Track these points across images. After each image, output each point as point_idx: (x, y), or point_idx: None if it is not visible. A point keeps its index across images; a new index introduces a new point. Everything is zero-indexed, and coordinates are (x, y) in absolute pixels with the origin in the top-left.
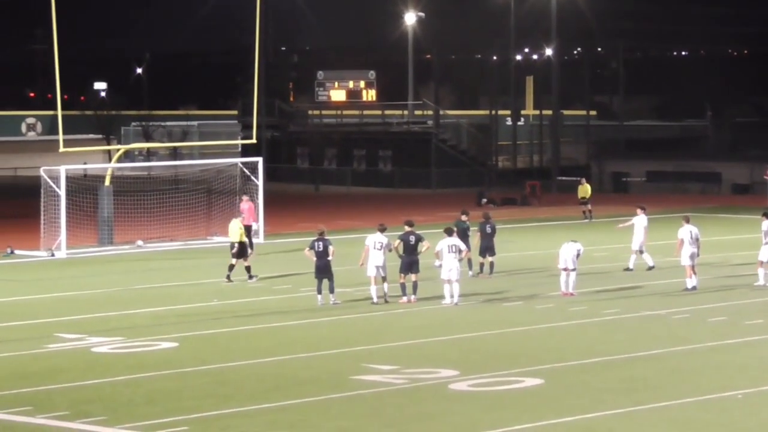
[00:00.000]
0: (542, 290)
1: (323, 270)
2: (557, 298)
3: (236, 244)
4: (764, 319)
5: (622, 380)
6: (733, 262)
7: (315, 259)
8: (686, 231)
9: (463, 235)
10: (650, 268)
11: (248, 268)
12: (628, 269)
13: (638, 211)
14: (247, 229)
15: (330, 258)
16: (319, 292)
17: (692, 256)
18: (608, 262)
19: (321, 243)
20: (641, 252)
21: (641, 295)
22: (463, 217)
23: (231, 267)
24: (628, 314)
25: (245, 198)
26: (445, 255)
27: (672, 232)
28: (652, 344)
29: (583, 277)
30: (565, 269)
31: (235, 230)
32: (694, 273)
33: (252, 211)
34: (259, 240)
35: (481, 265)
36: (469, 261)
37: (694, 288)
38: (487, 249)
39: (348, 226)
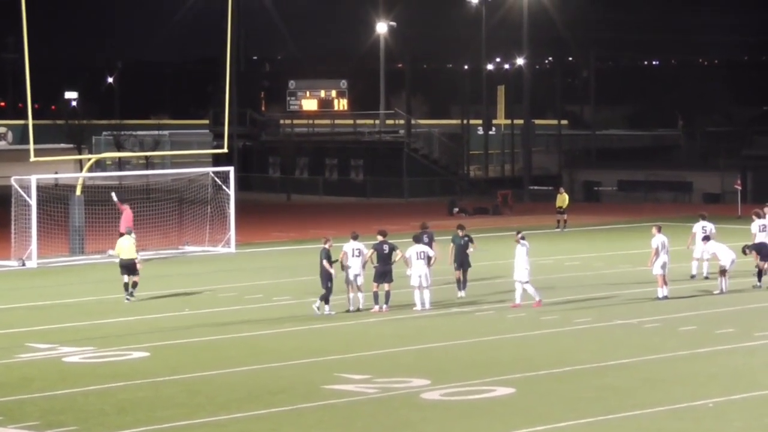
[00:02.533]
0: (513, 299)
1: (327, 279)
2: (528, 308)
3: (130, 261)
4: (735, 328)
5: (594, 389)
6: (705, 271)
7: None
8: (659, 240)
9: (462, 252)
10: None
11: (134, 284)
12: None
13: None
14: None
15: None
16: (322, 299)
17: (663, 266)
18: (580, 271)
19: (324, 252)
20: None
21: (613, 304)
22: (460, 232)
23: (127, 285)
24: (599, 323)
25: (126, 205)
26: (414, 262)
27: (643, 241)
28: (623, 353)
29: (555, 286)
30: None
31: (129, 247)
32: (665, 283)
33: (130, 218)
34: (230, 249)
35: (458, 280)
36: (458, 281)
37: (665, 297)
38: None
39: (320, 235)
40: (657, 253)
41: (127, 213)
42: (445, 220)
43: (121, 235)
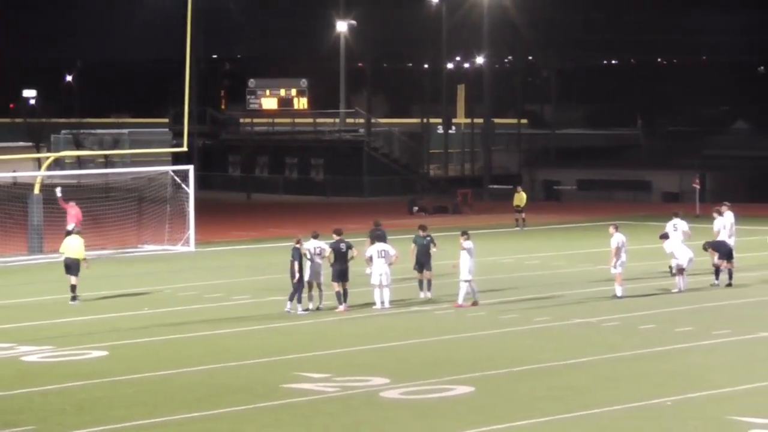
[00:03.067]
0: (472, 298)
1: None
2: (488, 307)
3: (75, 260)
4: (693, 327)
5: (553, 388)
6: (662, 269)
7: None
8: (618, 239)
9: (425, 253)
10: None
11: (74, 287)
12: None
13: (717, 211)
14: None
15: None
16: (290, 299)
17: (621, 264)
18: (539, 270)
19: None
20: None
21: (572, 302)
22: (422, 233)
23: (74, 287)
24: (558, 322)
25: (72, 203)
26: (375, 260)
27: (602, 240)
28: (582, 352)
29: (515, 285)
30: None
31: (77, 246)
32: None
33: (79, 216)
34: (190, 248)
35: (419, 281)
36: (420, 282)
37: (622, 296)
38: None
39: (280, 234)
40: (618, 253)
41: (75, 211)
42: (405, 218)
43: (68, 233)
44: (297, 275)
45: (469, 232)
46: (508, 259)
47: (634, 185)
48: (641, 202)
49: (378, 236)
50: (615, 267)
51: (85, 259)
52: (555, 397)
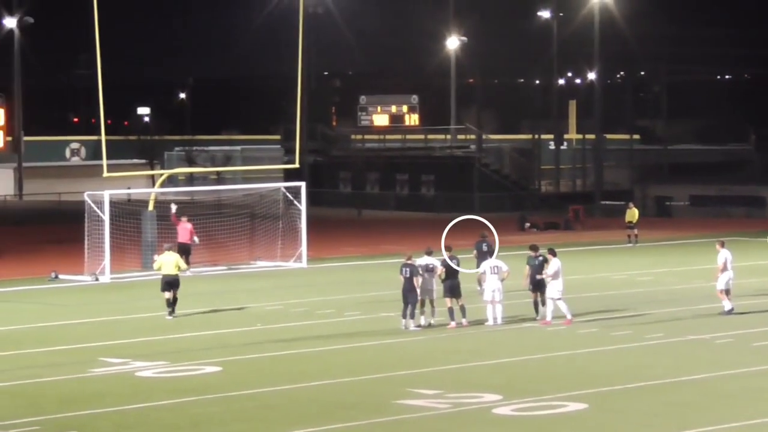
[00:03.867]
0: (585, 314)
1: (409, 294)
2: (600, 323)
3: (172, 277)
4: None
5: (667, 405)
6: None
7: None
8: (724, 256)
9: (538, 272)
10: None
11: (174, 301)
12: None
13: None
14: (187, 248)
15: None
16: (404, 316)
17: (729, 281)
18: (652, 287)
19: (407, 269)
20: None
21: (685, 318)
22: (533, 253)
23: (169, 301)
24: (672, 338)
25: (185, 219)
26: (488, 276)
27: (714, 256)
28: (697, 368)
29: (628, 301)
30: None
31: (173, 262)
32: (728, 297)
33: (192, 231)
34: (302, 264)
35: (534, 302)
36: (535, 303)
37: (731, 311)
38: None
39: (391, 250)
40: (725, 268)
41: (187, 227)
42: (515, 235)
43: (176, 248)
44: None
45: (583, 249)
46: (619, 275)
47: (747, 201)
48: (755, 218)
49: (485, 248)
50: (719, 284)
51: (186, 269)
52: (669, 414)
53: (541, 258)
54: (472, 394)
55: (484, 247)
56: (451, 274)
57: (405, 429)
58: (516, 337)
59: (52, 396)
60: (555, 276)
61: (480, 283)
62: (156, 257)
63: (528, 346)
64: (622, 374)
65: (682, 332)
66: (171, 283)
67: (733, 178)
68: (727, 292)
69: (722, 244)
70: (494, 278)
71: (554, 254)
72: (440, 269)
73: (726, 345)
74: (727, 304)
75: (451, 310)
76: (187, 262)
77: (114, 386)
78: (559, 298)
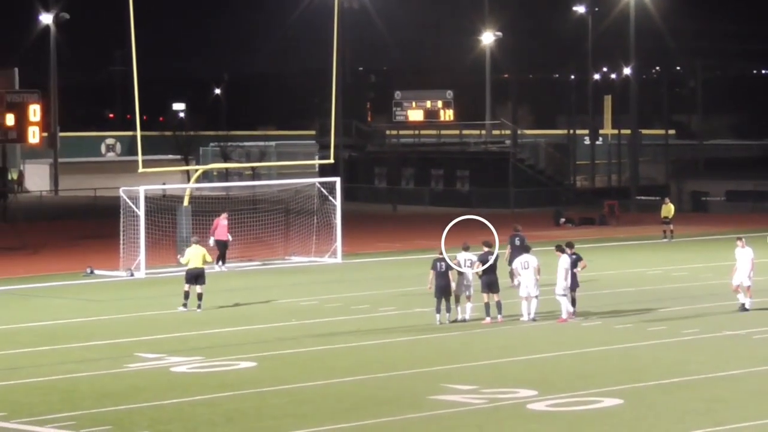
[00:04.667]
0: (621, 310)
1: (444, 290)
2: (635, 318)
3: (197, 270)
4: None
5: (703, 401)
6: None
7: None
8: (746, 252)
9: (572, 268)
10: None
11: (200, 296)
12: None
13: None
14: (224, 244)
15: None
16: (438, 311)
17: (749, 277)
18: (687, 282)
19: (442, 263)
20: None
21: (720, 314)
22: (569, 250)
23: (187, 294)
24: (707, 334)
25: (224, 215)
26: (521, 272)
27: (759, 251)
28: (732, 364)
29: (663, 297)
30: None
31: (200, 255)
32: (749, 294)
33: (226, 228)
34: (337, 260)
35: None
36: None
37: (750, 308)
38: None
39: (426, 245)
40: (745, 265)
41: (223, 224)
42: (551, 230)
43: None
44: (430, 286)
45: (618, 244)
46: (655, 270)
47: None
48: None
49: (519, 242)
50: (736, 279)
51: (212, 262)
52: (705, 410)
53: (575, 255)
54: (507, 390)
55: (517, 241)
56: (489, 270)
57: (440, 424)
58: (551, 332)
59: (87, 391)
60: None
61: (512, 278)
62: (184, 251)
63: (563, 341)
64: (657, 370)
65: (718, 328)
66: (197, 276)
67: None
68: (747, 288)
69: (741, 241)
70: (527, 273)
71: (563, 251)
72: (478, 264)
73: (762, 341)
74: (742, 298)
75: (487, 306)
76: (224, 258)
77: (149, 381)
78: (563, 295)
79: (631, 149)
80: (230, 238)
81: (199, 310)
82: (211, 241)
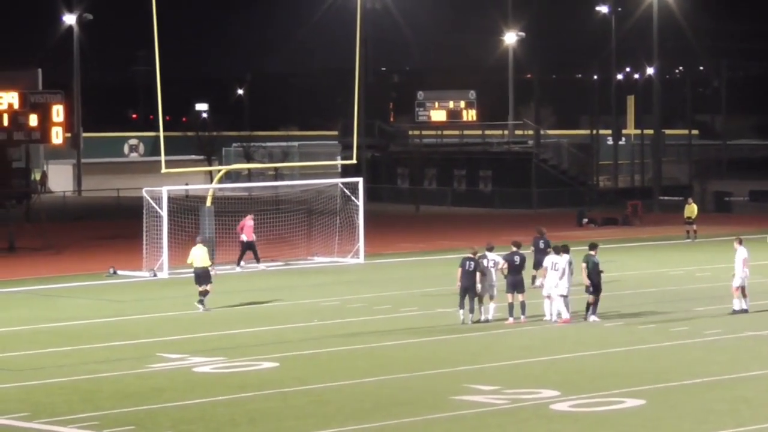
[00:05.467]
0: (643, 310)
1: (469, 289)
2: (658, 319)
3: (202, 269)
4: None
5: (725, 401)
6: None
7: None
8: (743, 253)
9: (595, 271)
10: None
11: (206, 293)
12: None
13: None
14: (251, 245)
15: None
16: (462, 306)
17: (744, 279)
18: (710, 282)
19: (471, 263)
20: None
21: (743, 315)
22: (592, 252)
23: (204, 293)
24: (730, 335)
25: (250, 216)
26: (550, 272)
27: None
28: (755, 365)
29: (686, 297)
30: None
31: (203, 256)
32: (745, 296)
33: (252, 228)
34: (359, 260)
35: (588, 303)
36: (588, 305)
37: (741, 311)
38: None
39: (449, 246)
40: (743, 266)
41: (249, 225)
42: (574, 230)
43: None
44: (459, 283)
45: (641, 244)
46: (678, 271)
47: None
48: None
49: (543, 245)
50: (736, 280)
51: (212, 266)
52: (727, 411)
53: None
54: (529, 390)
55: (541, 244)
56: (515, 270)
57: (463, 425)
58: (573, 333)
59: (110, 391)
60: (565, 273)
61: (534, 279)
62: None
63: (585, 342)
64: (679, 370)
65: (741, 328)
66: (201, 276)
67: None
68: (743, 290)
69: (740, 242)
70: (553, 274)
71: (567, 251)
72: (503, 264)
73: None
74: (736, 303)
75: (511, 306)
76: (256, 256)
77: (172, 382)
78: (566, 296)
79: (654, 149)
80: (244, 238)
81: (202, 309)
82: (244, 238)
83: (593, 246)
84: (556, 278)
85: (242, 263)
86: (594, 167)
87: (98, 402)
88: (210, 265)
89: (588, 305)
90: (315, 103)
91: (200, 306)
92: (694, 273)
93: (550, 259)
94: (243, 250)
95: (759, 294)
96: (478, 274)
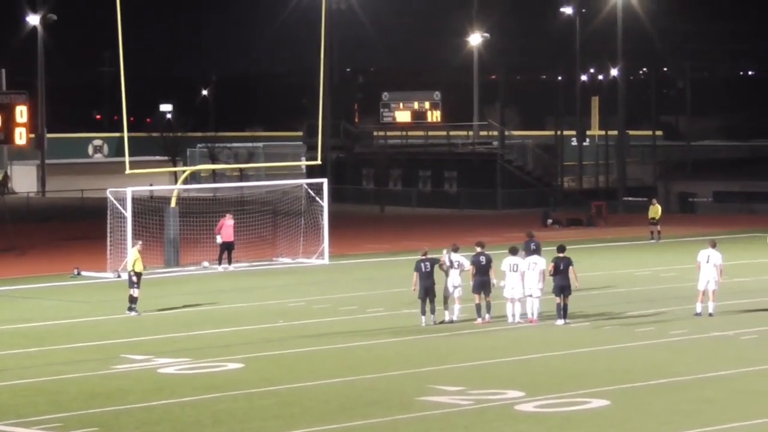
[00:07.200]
0: (609, 311)
1: (429, 291)
2: (623, 319)
3: (134, 273)
4: None
5: (690, 401)
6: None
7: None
8: (705, 255)
9: (565, 270)
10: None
11: (135, 299)
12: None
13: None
14: (230, 245)
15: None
16: (423, 312)
17: (713, 282)
18: (676, 283)
19: (428, 263)
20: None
21: (709, 315)
22: (560, 254)
23: (134, 299)
24: (695, 335)
25: (229, 215)
26: (509, 274)
27: (738, 252)
28: (720, 365)
29: (651, 298)
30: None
31: (132, 261)
32: (712, 299)
33: (233, 228)
34: (324, 261)
35: (558, 306)
36: (558, 307)
37: (700, 314)
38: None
39: (414, 246)
40: (707, 268)
41: (228, 225)
42: (538, 231)
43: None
44: (415, 288)
45: (604, 245)
46: (643, 271)
47: None
48: None
49: (534, 247)
50: (700, 283)
51: (141, 272)
52: (692, 411)
53: (566, 259)
54: (495, 391)
55: (533, 246)
56: (481, 271)
57: (428, 425)
58: (538, 333)
59: (74, 393)
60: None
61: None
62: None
63: (551, 342)
64: (645, 371)
65: (706, 329)
66: (132, 280)
67: (756, 174)
68: (713, 293)
69: (713, 244)
70: (514, 276)
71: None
72: (470, 266)
73: (750, 342)
74: (700, 307)
75: (478, 306)
76: (230, 259)
77: (137, 383)
78: (538, 297)
79: (618, 150)
80: (219, 240)
81: (133, 314)
82: (219, 240)
83: (561, 248)
84: (515, 280)
85: (224, 264)
86: (559, 168)
87: (63, 403)
88: (141, 270)
89: (558, 307)
90: (280, 103)
91: (131, 313)
92: (659, 273)
93: (508, 261)
94: (221, 251)
95: (758, 292)
96: (445, 276)
